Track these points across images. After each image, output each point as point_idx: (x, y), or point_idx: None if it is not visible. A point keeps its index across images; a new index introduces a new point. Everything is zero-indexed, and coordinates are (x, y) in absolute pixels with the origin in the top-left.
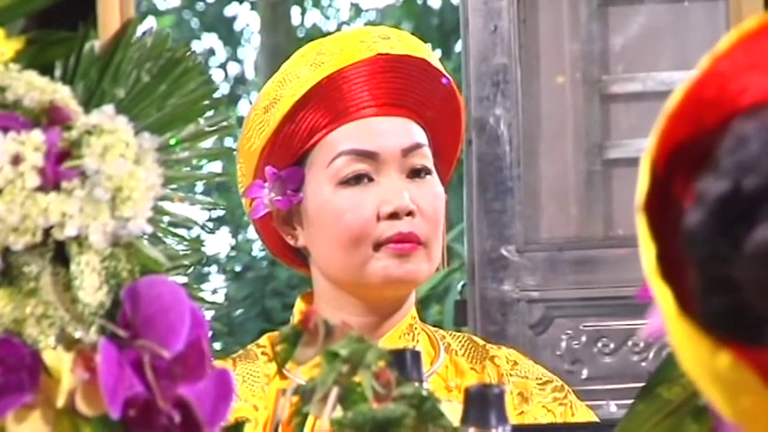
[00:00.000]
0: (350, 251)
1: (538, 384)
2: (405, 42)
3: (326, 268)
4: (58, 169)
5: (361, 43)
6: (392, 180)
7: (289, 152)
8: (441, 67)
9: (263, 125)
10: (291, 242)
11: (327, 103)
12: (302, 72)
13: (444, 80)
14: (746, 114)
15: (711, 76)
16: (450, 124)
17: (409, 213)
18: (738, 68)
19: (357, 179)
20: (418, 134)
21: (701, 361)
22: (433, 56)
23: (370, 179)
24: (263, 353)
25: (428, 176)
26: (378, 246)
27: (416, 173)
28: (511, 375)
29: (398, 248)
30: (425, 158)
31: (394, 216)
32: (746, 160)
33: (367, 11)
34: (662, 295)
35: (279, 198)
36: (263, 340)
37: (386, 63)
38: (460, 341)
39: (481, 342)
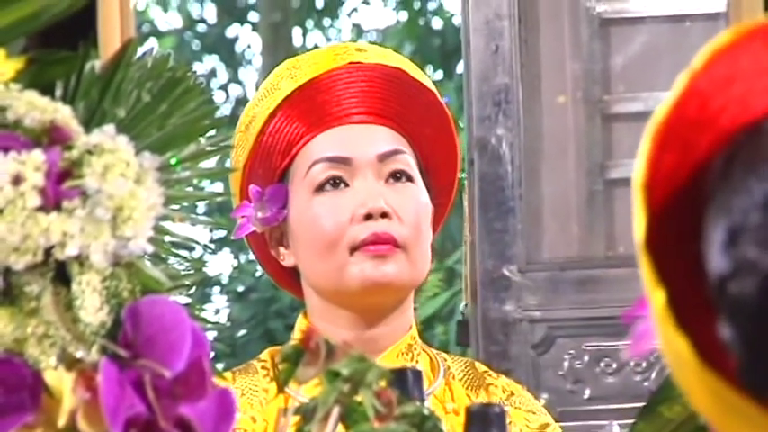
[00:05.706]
0: (327, 257)
1: (527, 417)
2: (379, 53)
3: (310, 279)
4: (59, 189)
5: (335, 55)
6: (368, 184)
7: (270, 168)
8: (423, 79)
9: (243, 144)
10: (284, 262)
11: (301, 111)
12: (279, 86)
13: (430, 94)
14: None
15: (691, 95)
16: (439, 138)
17: (384, 215)
18: (717, 84)
19: (333, 184)
20: (396, 141)
21: (727, 409)
22: (414, 68)
23: (346, 184)
24: (262, 367)
25: (409, 183)
26: (353, 249)
27: (396, 178)
28: (504, 405)
29: (374, 250)
30: (406, 165)
31: (368, 218)
32: None
33: (368, 31)
34: (677, 345)
35: (264, 216)
36: (264, 355)
37: (358, 71)
38: (461, 366)
39: (482, 369)
